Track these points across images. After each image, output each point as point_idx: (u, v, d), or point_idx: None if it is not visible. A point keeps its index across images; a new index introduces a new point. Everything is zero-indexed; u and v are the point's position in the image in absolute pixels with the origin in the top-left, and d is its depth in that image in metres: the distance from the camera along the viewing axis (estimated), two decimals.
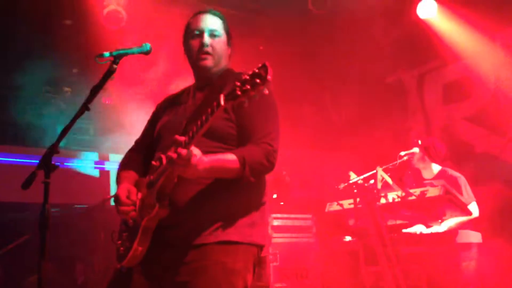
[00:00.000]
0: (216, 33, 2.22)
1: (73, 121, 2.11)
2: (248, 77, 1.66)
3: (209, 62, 2.21)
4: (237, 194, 2.04)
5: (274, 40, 6.32)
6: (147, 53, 2.22)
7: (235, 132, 2.08)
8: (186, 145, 1.79)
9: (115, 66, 2.14)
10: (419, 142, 4.44)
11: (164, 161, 1.91)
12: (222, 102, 1.71)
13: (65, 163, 5.90)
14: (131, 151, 2.40)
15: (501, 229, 4.68)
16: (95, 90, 2.14)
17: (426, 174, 4.46)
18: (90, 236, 4.95)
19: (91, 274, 5.14)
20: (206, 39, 2.20)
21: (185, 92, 2.37)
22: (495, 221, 4.64)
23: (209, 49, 2.20)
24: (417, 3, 5.80)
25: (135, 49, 2.19)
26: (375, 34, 6.15)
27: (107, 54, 2.12)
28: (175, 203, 1.99)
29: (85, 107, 2.12)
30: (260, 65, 1.66)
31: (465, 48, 5.71)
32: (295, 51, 6.39)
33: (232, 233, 2.02)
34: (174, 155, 1.78)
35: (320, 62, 6.53)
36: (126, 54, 2.16)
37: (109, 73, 2.14)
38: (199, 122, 1.79)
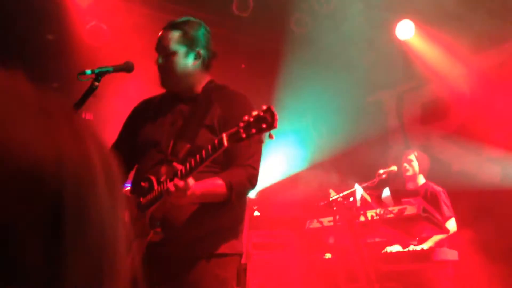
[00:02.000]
0: (168, 51, 2.19)
1: None
2: (252, 120, 1.66)
3: (165, 83, 2.24)
4: (225, 210, 2.10)
5: (256, 58, 6.39)
6: (129, 71, 2.23)
7: (221, 155, 2.11)
8: (183, 177, 1.83)
9: (97, 83, 2.15)
10: (415, 154, 4.62)
11: (155, 184, 1.96)
12: (225, 143, 1.74)
13: None
14: None
15: (478, 247, 4.76)
16: (77, 107, 2.14)
17: (411, 185, 4.58)
18: None
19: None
20: (159, 60, 2.21)
21: (166, 99, 2.34)
22: (472, 239, 4.72)
23: (161, 69, 2.22)
24: (395, 25, 5.94)
25: (117, 67, 2.20)
26: (355, 53, 6.27)
27: (89, 71, 2.13)
28: (165, 222, 2.02)
29: None
30: (264, 107, 1.66)
31: (442, 68, 5.86)
32: (276, 70, 6.46)
33: (222, 246, 2.11)
34: (172, 188, 1.82)
35: (301, 81, 6.61)
36: (108, 72, 2.17)
37: (91, 90, 2.15)
38: (198, 157, 1.82)
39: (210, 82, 2.29)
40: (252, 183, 2.09)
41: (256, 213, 5.53)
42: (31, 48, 5.62)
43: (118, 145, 2.38)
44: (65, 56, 5.52)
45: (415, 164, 4.56)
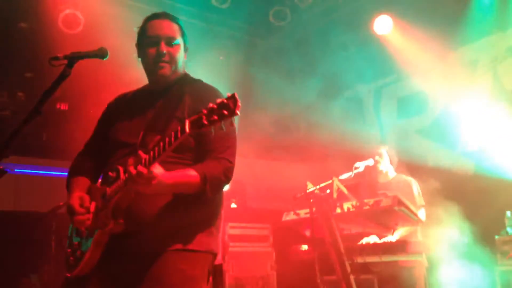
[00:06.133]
0: (173, 41, 2.18)
1: (23, 125, 2.04)
2: (215, 107, 1.64)
3: (166, 70, 2.18)
4: (197, 205, 2.03)
5: (235, 51, 6.36)
6: (103, 57, 2.17)
7: (192, 145, 2.07)
8: (147, 165, 1.78)
9: (69, 69, 2.09)
10: (386, 148, 4.72)
11: (122, 173, 1.89)
12: (187, 130, 1.70)
13: (15, 169, 5.71)
14: (81, 155, 2.34)
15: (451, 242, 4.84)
16: (48, 94, 2.07)
17: (382, 179, 4.63)
18: (40, 244, 4.79)
19: (40, 283, 4.96)
20: (164, 47, 2.16)
21: (139, 94, 2.31)
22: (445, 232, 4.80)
23: (166, 58, 2.17)
24: (374, 20, 5.98)
25: (91, 53, 2.15)
26: (334, 48, 6.29)
27: (61, 57, 2.07)
28: (133, 214, 1.96)
29: (36, 111, 2.05)
30: (229, 95, 1.64)
31: (419, 63, 5.93)
32: (255, 63, 6.45)
33: (191, 242, 2.02)
34: (134, 173, 1.76)
35: (279, 74, 6.61)
36: (81, 58, 2.10)
37: (63, 77, 2.09)
38: (162, 144, 1.77)
39: (185, 75, 2.29)
40: (228, 177, 2.05)
41: (233, 205, 5.53)
42: (2, 37, 5.49)
43: (92, 142, 2.35)
44: (39, 45, 5.39)
45: (386, 158, 4.63)
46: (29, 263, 5.20)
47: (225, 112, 1.62)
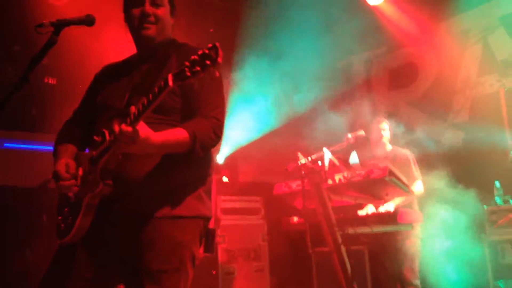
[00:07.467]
0: (158, 2, 2.15)
1: (11, 95, 2.01)
2: (197, 58, 1.62)
3: (151, 31, 2.14)
4: (185, 168, 2.02)
5: (225, 23, 6.28)
6: (90, 24, 2.13)
7: (179, 105, 2.05)
8: (131, 123, 1.74)
9: (56, 37, 2.05)
10: (387, 122, 4.74)
11: (107, 136, 1.87)
12: (170, 83, 1.67)
13: (5, 144, 5.67)
14: (69, 122, 2.32)
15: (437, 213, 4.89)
16: (35, 62, 2.04)
17: (380, 151, 4.64)
18: (32, 219, 4.79)
19: (33, 258, 4.98)
20: (149, 8, 2.12)
21: (126, 62, 2.29)
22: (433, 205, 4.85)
23: (151, 18, 2.13)
24: None
25: (77, 20, 2.10)
26: (327, 19, 6.22)
27: (47, 23, 2.02)
28: (121, 176, 1.94)
29: (24, 79, 2.02)
30: (210, 45, 1.62)
31: (410, 34, 5.90)
32: (246, 35, 6.37)
33: (180, 208, 2.01)
34: (118, 131, 1.74)
35: (272, 46, 6.54)
36: (68, 25, 2.06)
37: (50, 44, 2.05)
38: (145, 101, 1.74)
39: (173, 40, 2.26)
40: (217, 134, 2.03)
41: (225, 179, 5.53)
42: None
43: (80, 110, 2.33)
44: (27, 17, 5.28)
45: (388, 132, 4.64)
46: (21, 238, 5.20)
47: (208, 62, 1.60)
